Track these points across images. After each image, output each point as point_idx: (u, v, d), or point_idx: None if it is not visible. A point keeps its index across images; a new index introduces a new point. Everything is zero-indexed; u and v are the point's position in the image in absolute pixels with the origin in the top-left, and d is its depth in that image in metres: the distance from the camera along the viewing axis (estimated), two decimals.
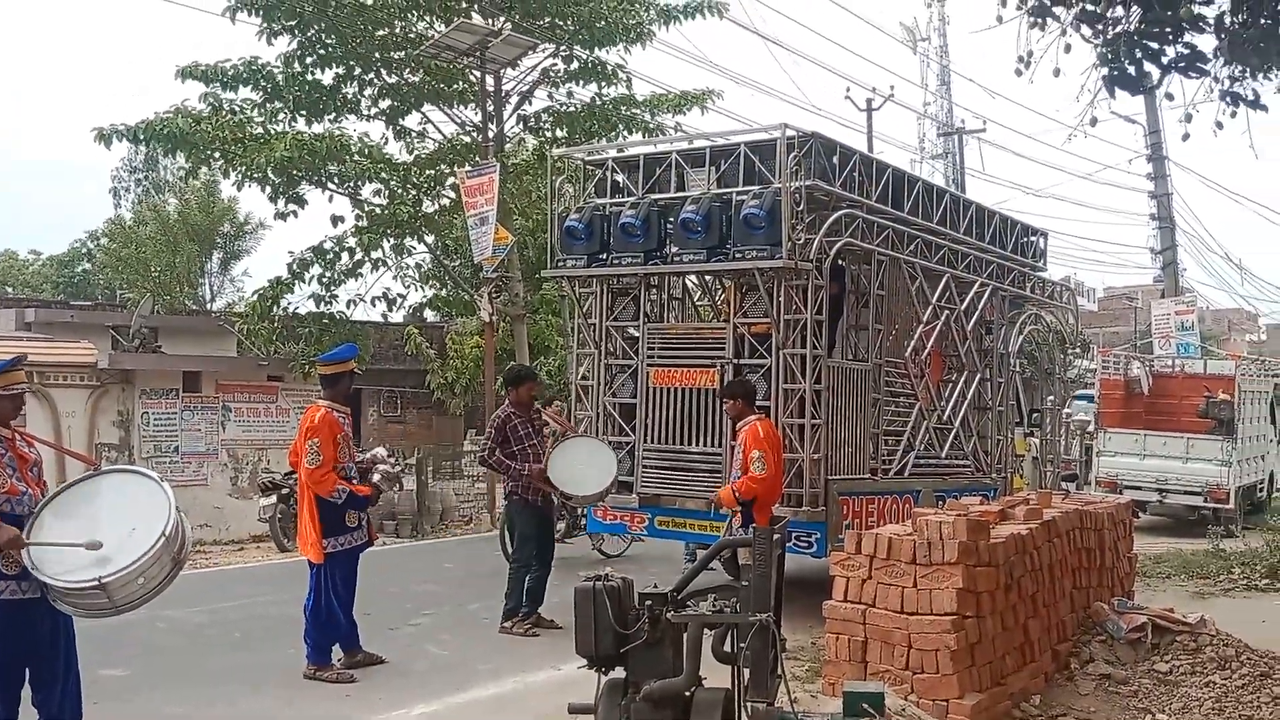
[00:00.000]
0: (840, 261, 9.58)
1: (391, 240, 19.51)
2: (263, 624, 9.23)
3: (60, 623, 5.91)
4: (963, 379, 11.38)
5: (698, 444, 9.59)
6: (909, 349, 10.43)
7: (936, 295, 10.69)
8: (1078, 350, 15.08)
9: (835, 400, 9.37)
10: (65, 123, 75.93)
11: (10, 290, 35.92)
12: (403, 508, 16.86)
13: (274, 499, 14.73)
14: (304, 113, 18.35)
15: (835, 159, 9.52)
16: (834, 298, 9.54)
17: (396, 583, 10.82)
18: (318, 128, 18.60)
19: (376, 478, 8.08)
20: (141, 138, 17.60)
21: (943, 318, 10.87)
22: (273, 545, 14.83)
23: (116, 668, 7.56)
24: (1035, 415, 14.29)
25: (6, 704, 5.74)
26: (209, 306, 30.70)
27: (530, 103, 20.25)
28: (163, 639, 8.54)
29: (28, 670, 5.86)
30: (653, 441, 9.82)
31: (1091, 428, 19.08)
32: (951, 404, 11.17)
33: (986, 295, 11.56)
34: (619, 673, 4.59)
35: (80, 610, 5.74)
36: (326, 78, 18.36)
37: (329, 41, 18.00)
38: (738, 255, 9.07)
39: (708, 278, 10.79)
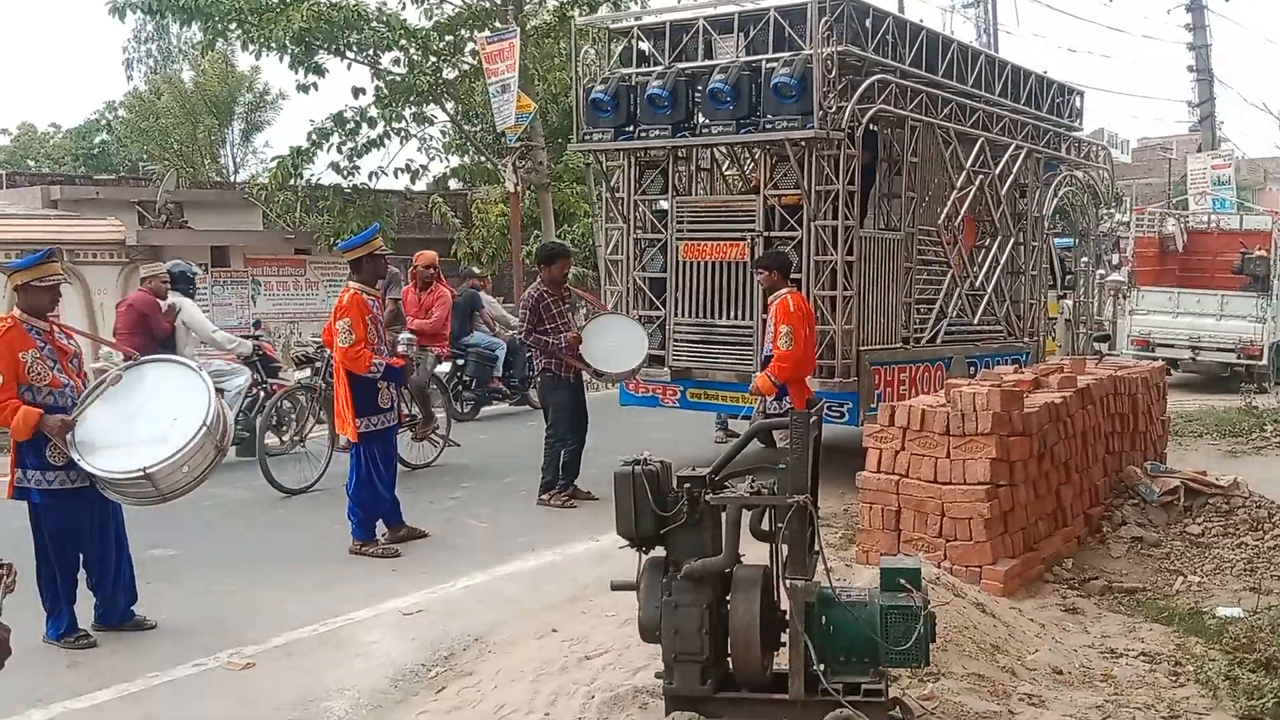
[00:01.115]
0: (872, 128, 9.40)
1: (412, 109, 19.26)
2: (305, 500, 9.43)
3: (110, 509, 6.07)
4: (996, 244, 11.26)
5: (728, 317, 9.59)
6: (942, 216, 10.30)
7: (970, 160, 10.50)
8: (1111, 211, 14.86)
9: (867, 270, 9.30)
10: None
11: (32, 164, 35.79)
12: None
13: (308, 371, 14.85)
14: None
15: (868, 22, 9.26)
16: (866, 166, 9.39)
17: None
18: None
19: (402, 348, 8.22)
20: (155, 9, 17.30)
21: (976, 182, 10.69)
22: (310, 418, 15.02)
23: (166, 547, 7.77)
24: (1068, 277, 14.17)
25: (65, 589, 5.94)
26: (232, 179, 30.52)
27: None
28: (209, 517, 8.75)
29: (81, 556, 6.05)
30: (683, 315, 9.83)
31: (1125, 288, 18.93)
32: (984, 270, 11.08)
33: (1021, 158, 11.34)
34: (659, 552, 4.68)
35: (128, 498, 5.90)
36: None
37: None
38: (768, 125, 8.91)
39: (737, 148, 10.61)
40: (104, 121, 39.41)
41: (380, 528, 7.93)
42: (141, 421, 5.78)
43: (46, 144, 40.19)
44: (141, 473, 5.50)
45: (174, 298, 10.32)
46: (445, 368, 12.44)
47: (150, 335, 9.65)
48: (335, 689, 5.42)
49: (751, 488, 4.64)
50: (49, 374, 5.83)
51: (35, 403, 5.75)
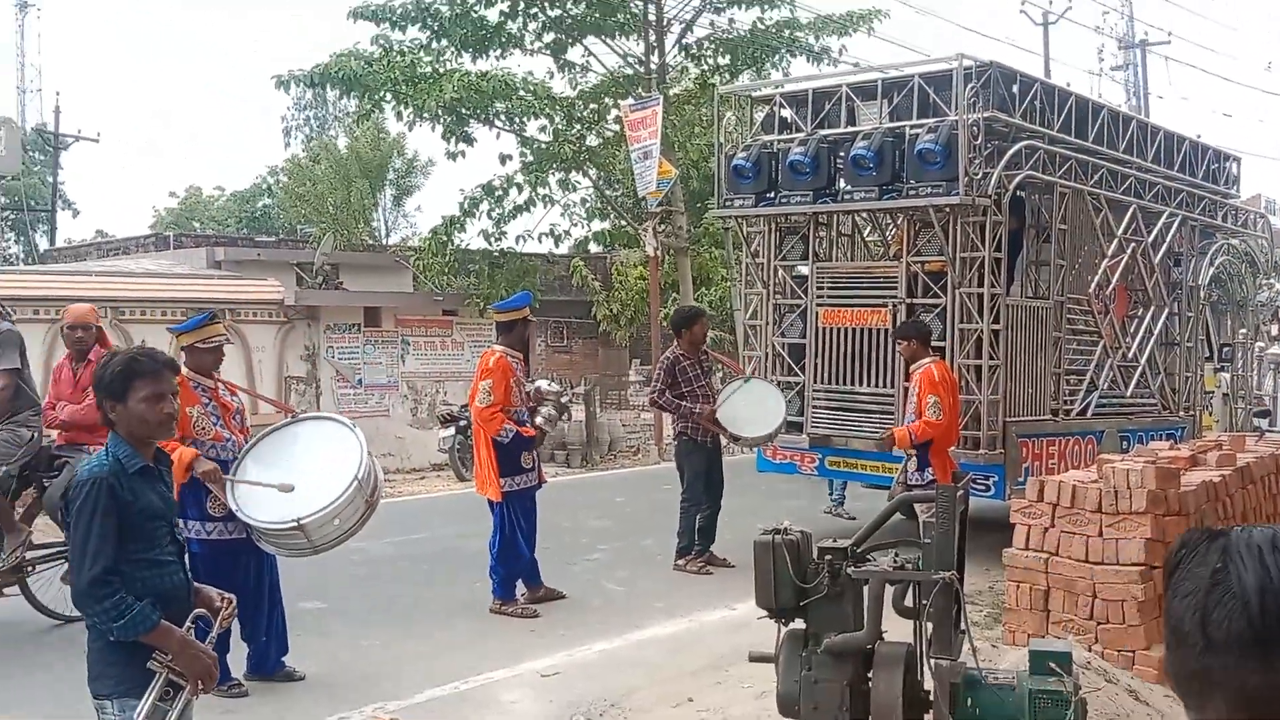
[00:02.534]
0: (1020, 194, 9.26)
1: (557, 176, 19.73)
2: (447, 557, 9.61)
3: (265, 561, 6.30)
4: (1149, 314, 10.92)
5: (868, 384, 9.48)
6: (1092, 284, 10.06)
7: (1122, 227, 10.25)
8: (1270, 280, 14.26)
9: (1014, 339, 9.11)
10: (230, 57, 78.69)
11: (198, 226, 37.72)
12: (572, 438, 17.23)
13: (452, 430, 15.27)
14: (469, 50, 18.60)
15: (1015, 88, 9.17)
16: (1013, 233, 9.24)
17: (570, 517, 11.09)
18: (483, 65, 18.88)
19: (540, 420, 8.26)
20: (317, 82, 18.16)
21: (1128, 250, 10.42)
22: (452, 474, 15.41)
23: (315, 600, 8.01)
24: (1225, 349, 13.62)
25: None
26: (384, 242, 31.62)
27: (692, 31, 20.07)
28: (356, 571, 8.98)
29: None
30: (822, 382, 9.76)
31: None
32: (1137, 341, 10.74)
33: (1175, 225, 11.02)
34: (799, 624, 4.62)
35: (282, 550, 6.09)
36: (491, 14, 18.53)
37: None
38: (911, 192, 8.86)
39: (878, 214, 10.56)
40: (266, 186, 41.41)
41: (519, 587, 8.02)
42: (296, 475, 5.99)
43: (211, 207, 42.37)
44: (296, 523, 5.68)
45: None
46: None
47: None
48: None
49: (895, 562, 4.57)
50: (212, 429, 6.12)
51: None
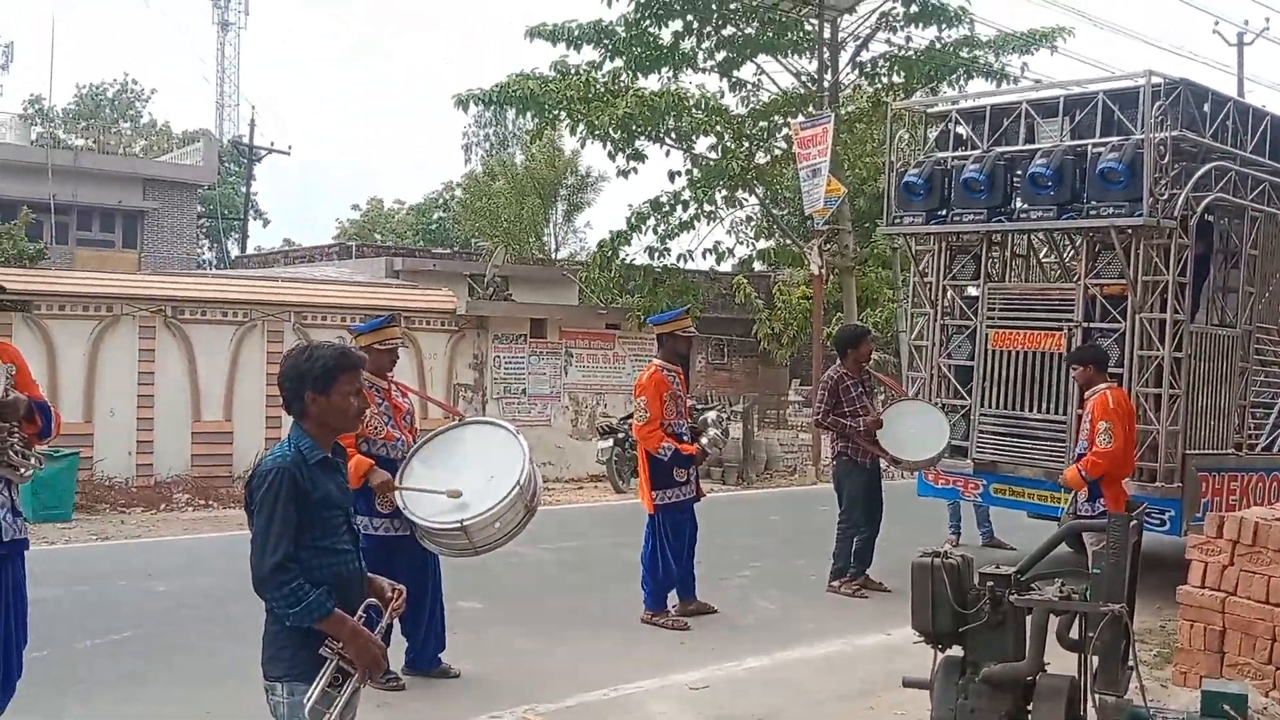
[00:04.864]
0: (1208, 218, 8.84)
1: (723, 193, 19.76)
2: (601, 565, 9.70)
3: (428, 559, 6.45)
4: None
5: (1040, 410, 9.17)
6: None
7: None
8: None
9: (1197, 369, 8.68)
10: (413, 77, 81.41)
11: (379, 237, 39.20)
12: (729, 455, 17.19)
13: (611, 442, 15.44)
14: (643, 70, 18.81)
15: (1206, 107, 8.76)
16: (1199, 257, 8.81)
17: (724, 533, 11.04)
18: (654, 83, 19.06)
19: (705, 441, 8.25)
20: (495, 100, 18.65)
21: None
22: (609, 486, 15.57)
23: (473, 600, 8.18)
24: None
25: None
26: (553, 256, 32.25)
27: (867, 49, 19.86)
28: (513, 575, 9.15)
29: None
30: (990, 406, 9.48)
31: None
32: None
33: None
34: (956, 651, 4.50)
35: (444, 549, 6.24)
36: (665, 34, 18.70)
37: None
38: (1092, 212, 8.54)
39: (1056, 235, 10.22)
40: (442, 200, 42.80)
41: (672, 599, 8.03)
42: (462, 478, 6.13)
43: (391, 219, 44.00)
44: (459, 525, 5.81)
45: None
46: None
47: None
48: None
49: (1061, 591, 4.40)
50: (384, 429, 6.34)
51: (369, 454, 6.25)
